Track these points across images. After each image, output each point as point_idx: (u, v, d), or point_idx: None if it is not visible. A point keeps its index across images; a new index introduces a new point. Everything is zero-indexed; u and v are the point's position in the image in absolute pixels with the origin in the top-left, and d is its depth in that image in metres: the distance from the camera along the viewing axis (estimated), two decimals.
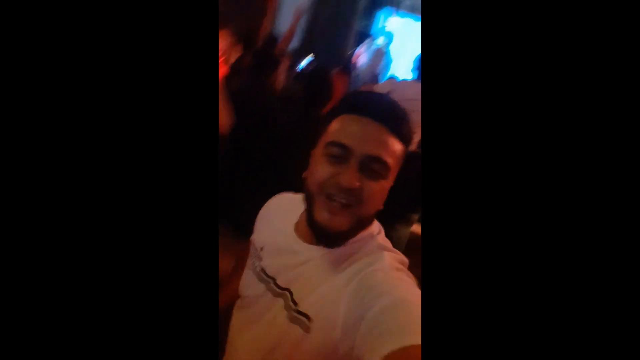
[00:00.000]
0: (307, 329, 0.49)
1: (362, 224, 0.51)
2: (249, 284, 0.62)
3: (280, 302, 0.54)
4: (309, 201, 0.51)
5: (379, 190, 0.49)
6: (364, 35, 3.85)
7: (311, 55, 2.98)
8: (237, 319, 0.63)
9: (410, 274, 0.51)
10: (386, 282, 0.47)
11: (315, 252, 0.54)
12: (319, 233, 0.51)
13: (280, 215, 0.62)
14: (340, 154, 0.48)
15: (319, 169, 0.50)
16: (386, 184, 0.50)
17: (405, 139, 0.52)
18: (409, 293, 0.45)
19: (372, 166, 0.48)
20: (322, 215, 0.49)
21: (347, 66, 2.71)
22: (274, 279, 0.56)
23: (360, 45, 3.60)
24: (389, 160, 0.49)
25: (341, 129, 0.50)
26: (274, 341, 0.52)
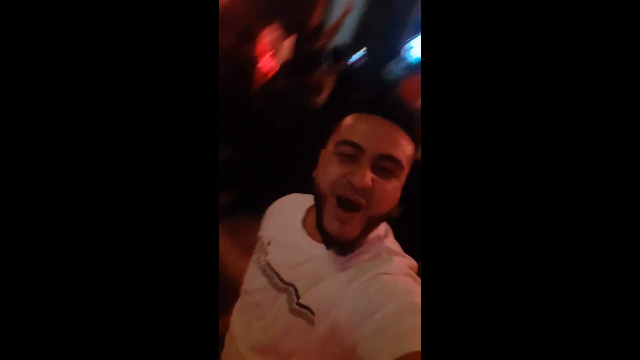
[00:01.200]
0: (311, 322, 0.48)
1: (372, 226, 0.50)
2: (252, 278, 0.61)
3: (284, 296, 0.53)
4: (319, 205, 0.50)
5: (391, 189, 0.48)
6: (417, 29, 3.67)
7: (363, 49, 2.89)
8: (239, 313, 0.63)
9: (419, 279, 0.49)
10: (395, 286, 0.46)
11: (322, 250, 0.52)
12: (329, 241, 0.50)
13: (290, 212, 0.62)
14: (352, 153, 0.47)
15: (330, 168, 0.48)
16: (398, 183, 0.49)
17: (417, 139, 0.50)
18: (417, 298, 0.43)
19: (384, 165, 0.46)
20: (332, 225, 0.47)
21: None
22: (278, 274, 0.56)
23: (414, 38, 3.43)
24: (402, 159, 0.48)
25: (352, 127, 0.49)
26: (277, 335, 0.52)
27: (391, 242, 0.55)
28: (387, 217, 0.52)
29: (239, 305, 0.65)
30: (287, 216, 0.62)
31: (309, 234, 0.55)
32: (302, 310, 0.50)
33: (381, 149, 0.46)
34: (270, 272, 0.58)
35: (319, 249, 0.53)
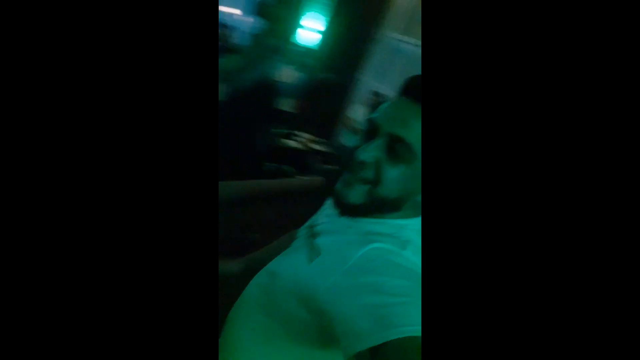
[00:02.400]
0: (310, 260, 0.51)
1: (381, 205, 0.50)
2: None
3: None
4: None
5: (398, 174, 0.47)
6: None
7: None
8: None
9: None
10: (405, 266, 0.46)
11: (342, 221, 0.54)
12: (336, 201, 0.52)
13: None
14: (370, 130, 0.49)
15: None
16: (408, 169, 0.47)
17: None
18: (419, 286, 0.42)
19: (395, 147, 0.46)
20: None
21: None
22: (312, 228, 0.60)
23: None
24: (415, 144, 0.46)
25: (384, 107, 0.50)
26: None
27: (413, 233, 0.54)
28: (396, 203, 0.51)
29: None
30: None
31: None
32: (313, 244, 0.54)
33: (394, 130, 0.46)
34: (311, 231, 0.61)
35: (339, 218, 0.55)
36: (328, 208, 0.63)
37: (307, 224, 0.66)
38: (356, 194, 0.49)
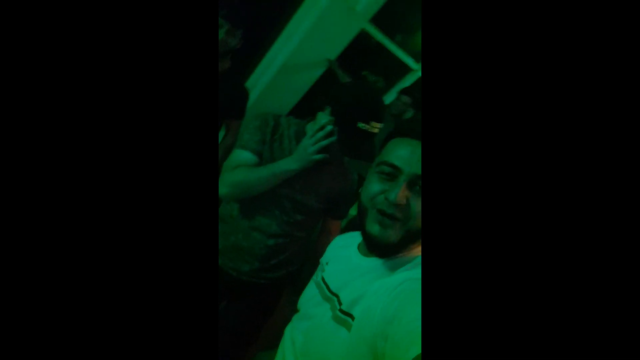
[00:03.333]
0: (349, 328, 0.50)
1: (413, 237, 0.53)
2: (308, 294, 0.67)
3: (327, 305, 0.58)
4: (362, 216, 0.56)
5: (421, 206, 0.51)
6: None
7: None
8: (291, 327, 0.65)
9: None
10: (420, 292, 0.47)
11: (370, 262, 0.57)
12: (371, 244, 0.55)
13: (348, 240, 0.69)
14: (391, 172, 0.53)
15: (371, 185, 0.55)
16: None
17: None
18: None
19: (419, 184, 0.51)
20: (374, 228, 0.53)
21: None
22: (327, 285, 0.61)
23: None
24: None
25: (393, 150, 0.54)
26: (318, 343, 0.55)
27: None
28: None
29: (294, 320, 0.68)
30: (345, 242, 0.69)
31: (361, 252, 0.61)
32: (344, 318, 0.53)
33: (417, 170, 0.51)
34: (322, 284, 0.63)
35: (367, 261, 0.58)
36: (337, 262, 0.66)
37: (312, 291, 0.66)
38: (394, 233, 0.52)
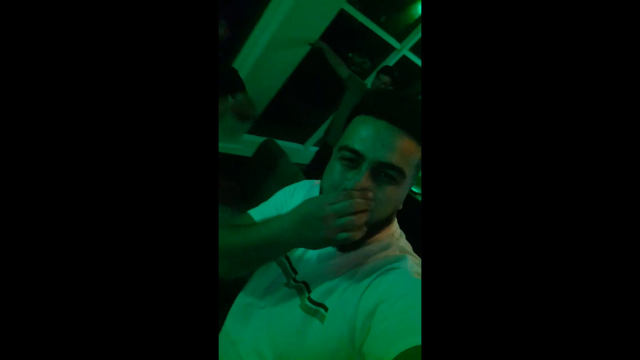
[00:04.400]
0: (322, 319, 0.48)
1: (379, 226, 0.50)
2: (266, 272, 0.60)
3: (294, 293, 0.53)
4: None
5: (392, 194, 0.47)
6: None
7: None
8: (236, 316, 0.61)
9: None
10: (405, 283, 0.46)
11: (336, 257, 0.53)
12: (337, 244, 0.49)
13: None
14: (353, 158, 0.47)
15: (333, 173, 0.48)
16: (399, 189, 0.48)
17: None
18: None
19: (384, 172, 0.46)
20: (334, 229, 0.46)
21: None
22: (294, 269, 0.56)
23: None
24: (403, 167, 0.46)
25: (356, 132, 0.48)
26: (287, 332, 0.51)
27: (405, 243, 0.56)
28: (387, 220, 0.52)
29: (236, 308, 0.64)
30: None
31: None
32: (314, 308, 0.50)
33: (381, 157, 0.45)
34: (286, 266, 0.57)
35: (333, 251, 0.54)
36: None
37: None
38: (359, 231, 0.45)
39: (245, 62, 2.15)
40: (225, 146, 2.39)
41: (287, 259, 0.59)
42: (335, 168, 0.49)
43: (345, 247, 0.52)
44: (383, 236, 0.53)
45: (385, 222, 0.52)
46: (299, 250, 0.59)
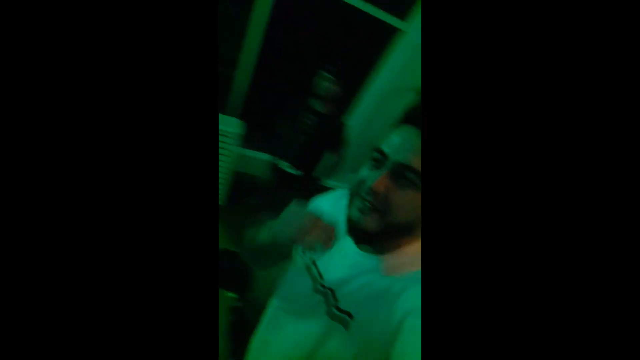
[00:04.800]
0: (347, 326, 0.50)
1: (398, 231, 0.51)
2: (295, 279, 0.64)
3: (320, 298, 0.56)
4: (349, 200, 0.53)
5: (408, 200, 0.48)
6: None
7: None
8: (273, 315, 0.65)
9: None
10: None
11: (366, 259, 0.55)
12: (351, 229, 0.52)
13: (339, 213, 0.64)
14: (379, 159, 0.50)
15: (362, 170, 0.53)
16: (418, 194, 0.48)
17: None
18: None
19: (405, 175, 0.47)
20: (354, 213, 0.51)
21: None
22: (320, 274, 0.59)
23: None
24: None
25: (390, 136, 0.51)
26: (312, 338, 0.54)
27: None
28: (409, 227, 0.51)
29: (269, 311, 0.67)
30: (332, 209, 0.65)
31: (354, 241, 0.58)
32: (340, 315, 0.52)
33: (402, 159, 0.47)
34: (314, 271, 0.60)
35: (360, 255, 0.56)
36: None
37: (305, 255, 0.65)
38: (372, 222, 0.49)
39: (355, 114, 2.22)
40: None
41: (315, 264, 0.62)
42: (364, 167, 0.52)
43: (358, 237, 0.53)
44: (411, 251, 0.53)
45: (407, 230, 0.51)
46: (327, 256, 0.62)
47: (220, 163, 1.93)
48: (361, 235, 0.52)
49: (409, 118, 0.50)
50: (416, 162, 0.47)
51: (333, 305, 0.54)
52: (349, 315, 0.51)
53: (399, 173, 0.47)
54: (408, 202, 0.48)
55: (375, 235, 0.50)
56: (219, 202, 2.10)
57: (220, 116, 1.86)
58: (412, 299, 0.45)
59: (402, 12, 1.95)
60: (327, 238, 0.52)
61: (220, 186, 2.04)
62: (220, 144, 1.86)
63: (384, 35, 2.05)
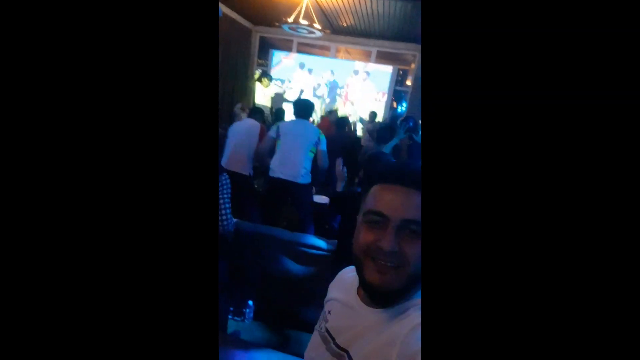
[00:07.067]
0: None
1: (414, 282, 0.52)
2: (314, 347, 0.66)
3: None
4: (359, 267, 0.55)
5: (418, 250, 0.50)
6: None
7: None
8: None
9: None
10: None
11: (374, 315, 0.56)
12: (373, 293, 0.55)
13: (348, 282, 0.67)
14: (379, 221, 0.53)
15: (362, 236, 0.54)
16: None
17: None
18: None
19: (410, 228, 0.51)
20: (373, 276, 0.52)
21: None
22: (334, 339, 0.61)
23: None
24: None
25: (377, 198, 0.54)
26: None
27: None
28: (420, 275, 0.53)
29: None
30: (346, 286, 0.67)
31: (362, 299, 0.60)
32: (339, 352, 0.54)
33: (404, 215, 0.51)
34: (328, 337, 0.63)
35: (371, 314, 0.57)
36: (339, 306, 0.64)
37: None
38: (396, 279, 0.51)
39: None
40: None
41: (328, 331, 0.64)
42: (363, 232, 0.55)
43: (382, 300, 0.55)
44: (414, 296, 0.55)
45: (419, 281, 0.53)
46: (335, 318, 0.65)
47: None
48: (387, 296, 0.54)
49: (380, 178, 0.56)
50: (415, 214, 0.51)
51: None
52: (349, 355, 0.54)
53: (404, 228, 0.51)
54: (419, 252, 0.51)
55: (400, 291, 0.52)
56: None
57: None
58: (415, 338, 0.47)
59: None
60: None
61: None
62: None
63: None
